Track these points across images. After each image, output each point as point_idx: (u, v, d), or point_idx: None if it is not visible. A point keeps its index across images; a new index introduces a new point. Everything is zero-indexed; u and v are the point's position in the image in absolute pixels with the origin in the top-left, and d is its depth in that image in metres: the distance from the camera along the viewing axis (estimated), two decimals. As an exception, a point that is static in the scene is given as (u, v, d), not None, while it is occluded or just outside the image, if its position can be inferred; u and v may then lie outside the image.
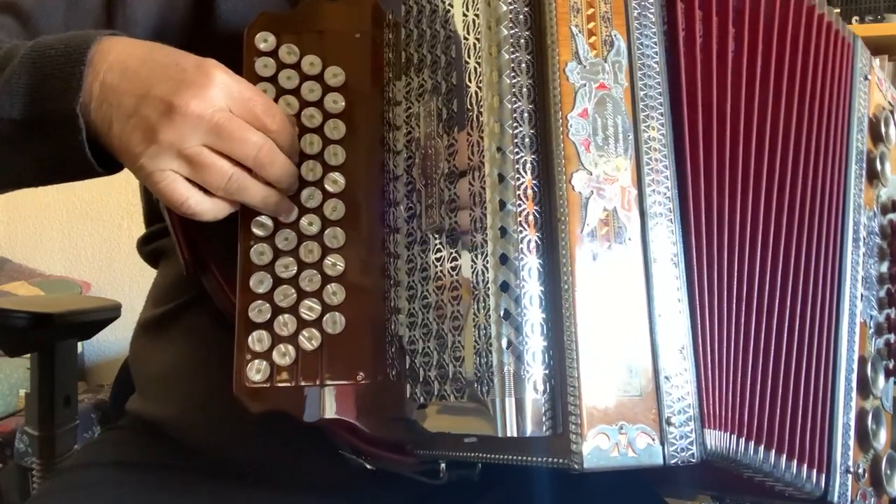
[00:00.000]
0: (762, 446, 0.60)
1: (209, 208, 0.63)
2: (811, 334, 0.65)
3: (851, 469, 0.65)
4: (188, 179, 0.61)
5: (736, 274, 0.61)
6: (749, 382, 0.60)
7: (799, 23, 0.70)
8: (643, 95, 0.59)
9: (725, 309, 0.60)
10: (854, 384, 0.68)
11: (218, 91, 0.60)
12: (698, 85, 0.63)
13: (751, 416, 0.60)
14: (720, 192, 0.62)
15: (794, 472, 0.61)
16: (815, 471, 0.62)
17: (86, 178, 0.64)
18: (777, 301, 0.63)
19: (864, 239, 0.72)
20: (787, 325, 0.64)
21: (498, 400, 0.54)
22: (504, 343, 0.54)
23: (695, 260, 0.59)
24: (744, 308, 0.61)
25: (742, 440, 0.59)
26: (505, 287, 0.54)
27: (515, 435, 0.53)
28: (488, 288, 0.55)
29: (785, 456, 0.61)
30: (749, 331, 0.61)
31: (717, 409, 0.58)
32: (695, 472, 0.66)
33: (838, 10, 2.08)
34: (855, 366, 0.69)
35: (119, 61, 0.61)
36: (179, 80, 0.60)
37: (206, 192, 0.62)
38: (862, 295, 0.71)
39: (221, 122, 0.60)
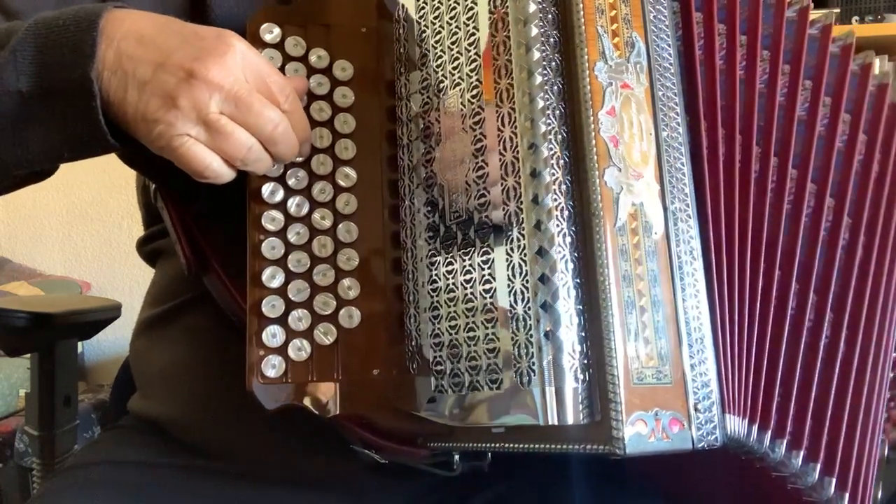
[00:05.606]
0: (769, 433, 0.63)
1: (227, 172, 0.61)
2: (832, 330, 0.67)
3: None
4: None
5: (750, 266, 0.64)
6: (764, 371, 0.63)
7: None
8: (661, 96, 0.61)
9: (742, 299, 0.63)
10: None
11: (238, 61, 0.59)
12: (717, 94, 0.65)
13: (766, 405, 0.63)
14: (743, 190, 0.64)
15: (800, 462, 0.64)
16: (819, 464, 0.65)
17: (95, 152, 0.61)
18: (793, 294, 0.66)
19: None
20: (806, 318, 0.66)
21: (538, 390, 0.55)
22: (543, 334, 0.55)
23: (713, 255, 0.61)
24: (759, 299, 0.63)
25: (755, 427, 0.62)
26: (544, 279, 0.56)
27: (557, 423, 0.54)
28: (526, 281, 0.56)
29: (795, 448, 0.64)
30: (765, 321, 0.64)
31: (735, 396, 0.61)
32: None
33: (838, 10, 2.08)
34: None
35: (135, 29, 0.59)
36: (200, 48, 0.58)
37: None
38: None
39: (241, 94, 0.59)
